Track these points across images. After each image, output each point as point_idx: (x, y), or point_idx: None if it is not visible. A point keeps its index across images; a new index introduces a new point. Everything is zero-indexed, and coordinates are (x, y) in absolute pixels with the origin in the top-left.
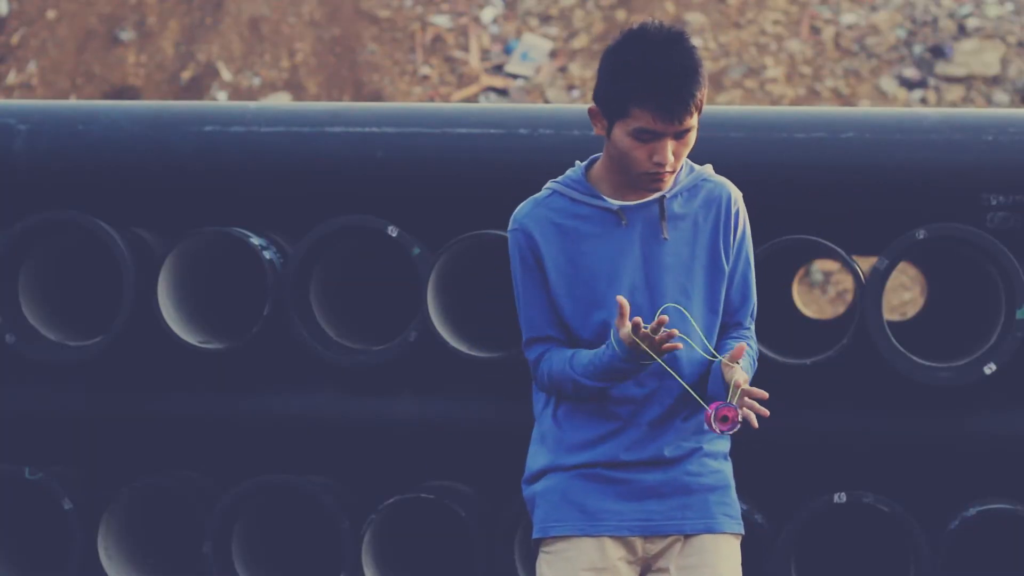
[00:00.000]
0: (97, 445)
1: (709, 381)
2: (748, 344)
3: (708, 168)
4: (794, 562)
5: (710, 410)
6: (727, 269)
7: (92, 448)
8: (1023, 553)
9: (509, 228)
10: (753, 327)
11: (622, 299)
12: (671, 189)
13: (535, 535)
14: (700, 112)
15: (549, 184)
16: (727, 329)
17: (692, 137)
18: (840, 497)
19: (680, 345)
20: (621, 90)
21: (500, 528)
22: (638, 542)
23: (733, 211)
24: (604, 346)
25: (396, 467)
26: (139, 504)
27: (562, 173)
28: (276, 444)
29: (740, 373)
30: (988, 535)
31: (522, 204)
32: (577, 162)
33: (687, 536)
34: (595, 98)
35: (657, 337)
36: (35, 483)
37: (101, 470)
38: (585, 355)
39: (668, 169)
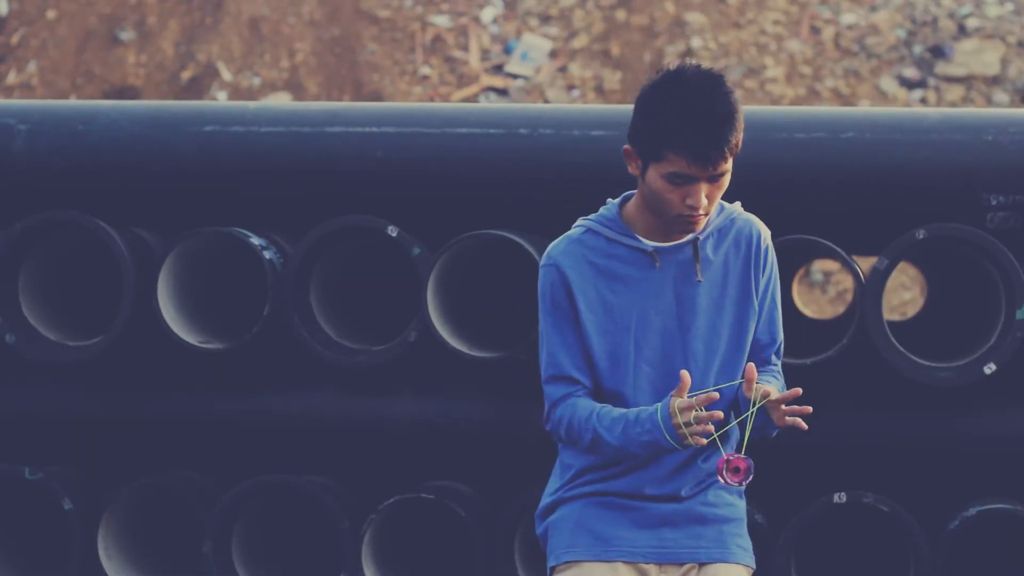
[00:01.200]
0: (97, 445)
1: (735, 408)
2: (774, 375)
3: (737, 206)
4: (794, 562)
5: (721, 462)
6: (756, 307)
7: (92, 448)
8: (1023, 553)
9: (542, 264)
10: (780, 364)
11: (685, 374)
12: (704, 231)
13: (550, 563)
14: (735, 156)
15: (581, 221)
16: (752, 362)
17: (726, 180)
18: (840, 497)
19: (703, 442)
20: (657, 134)
21: (500, 528)
22: (652, 570)
23: (763, 249)
24: (641, 409)
25: (396, 467)
26: (139, 504)
27: (562, 173)
28: (276, 444)
29: (764, 386)
30: (988, 535)
31: (556, 241)
32: (609, 200)
33: (701, 565)
34: (630, 138)
35: (693, 427)
36: (35, 483)
37: (101, 470)
38: (615, 411)
39: (701, 212)
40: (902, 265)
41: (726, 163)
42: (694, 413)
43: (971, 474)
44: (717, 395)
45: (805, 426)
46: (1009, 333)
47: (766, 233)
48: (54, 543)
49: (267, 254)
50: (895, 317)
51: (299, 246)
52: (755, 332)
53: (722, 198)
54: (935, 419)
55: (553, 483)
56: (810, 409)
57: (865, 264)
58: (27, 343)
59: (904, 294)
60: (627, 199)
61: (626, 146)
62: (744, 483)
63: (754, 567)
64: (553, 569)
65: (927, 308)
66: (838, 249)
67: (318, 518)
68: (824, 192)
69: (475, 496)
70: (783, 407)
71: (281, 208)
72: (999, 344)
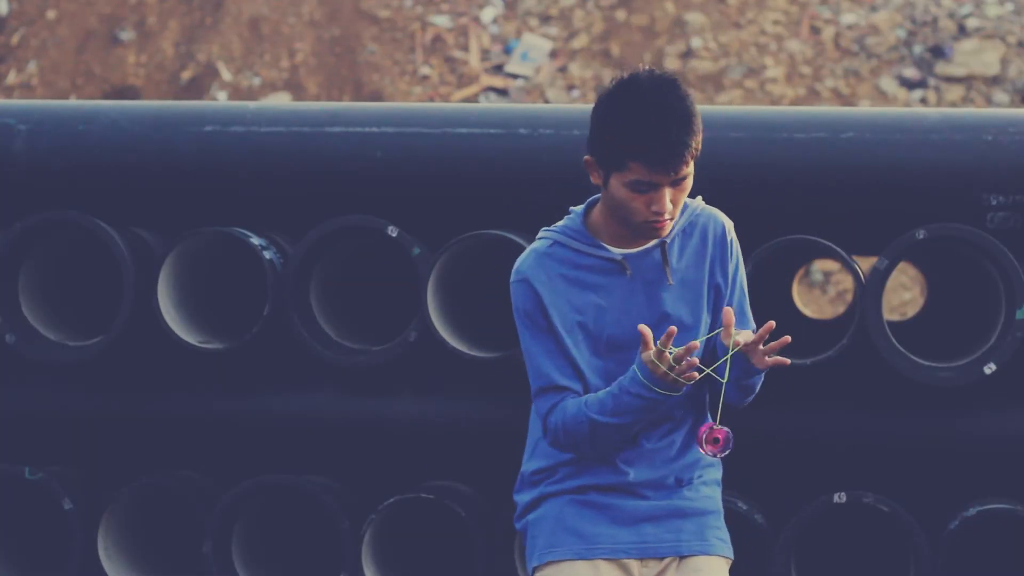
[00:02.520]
0: (97, 445)
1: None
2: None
3: (699, 201)
4: (794, 562)
5: (703, 430)
6: (723, 299)
7: (92, 448)
8: (1023, 553)
9: (512, 280)
10: None
11: (644, 328)
12: (670, 233)
13: (531, 564)
14: (696, 159)
15: (545, 233)
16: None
17: (689, 183)
18: (840, 497)
19: (696, 375)
20: (615, 144)
21: (500, 528)
22: (634, 565)
23: (728, 240)
24: (621, 378)
25: (396, 467)
26: (139, 504)
27: (562, 173)
28: (276, 444)
29: (741, 334)
30: (988, 535)
31: (523, 255)
32: (572, 208)
33: (682, 557)
34: (590, 149)
35: (677, 368)
36: (35, 483)
37: (101, 470)
38: (599, 394)
39: (667, 217)
40: (902, 265)
41: (687, 167)
42: (671, 354)
43: (971, 474)
44: (697, 344)
45: (787, 360)
46: (1009, 333)
47: (729, 225)
48: (54, 543)
49: (267, 254)
50: (895, 317)
51: (299, 246)
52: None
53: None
54: (935, 419)
55: (532, 465)
56: (789, 339)
57: (865, 264)
58: (27, 343)
59: (904, 294)
60: (591, 206)
61: (587, 156)
62: (722, 454)
63: (732, 557)
64: (535, 569)
65: (927, 308)
66: (838, 249)
67: (318, 518)
68: (824, 192)
69: (475, 496)
70: (761, 348)
71: (281, 208)
72: (999, 344)
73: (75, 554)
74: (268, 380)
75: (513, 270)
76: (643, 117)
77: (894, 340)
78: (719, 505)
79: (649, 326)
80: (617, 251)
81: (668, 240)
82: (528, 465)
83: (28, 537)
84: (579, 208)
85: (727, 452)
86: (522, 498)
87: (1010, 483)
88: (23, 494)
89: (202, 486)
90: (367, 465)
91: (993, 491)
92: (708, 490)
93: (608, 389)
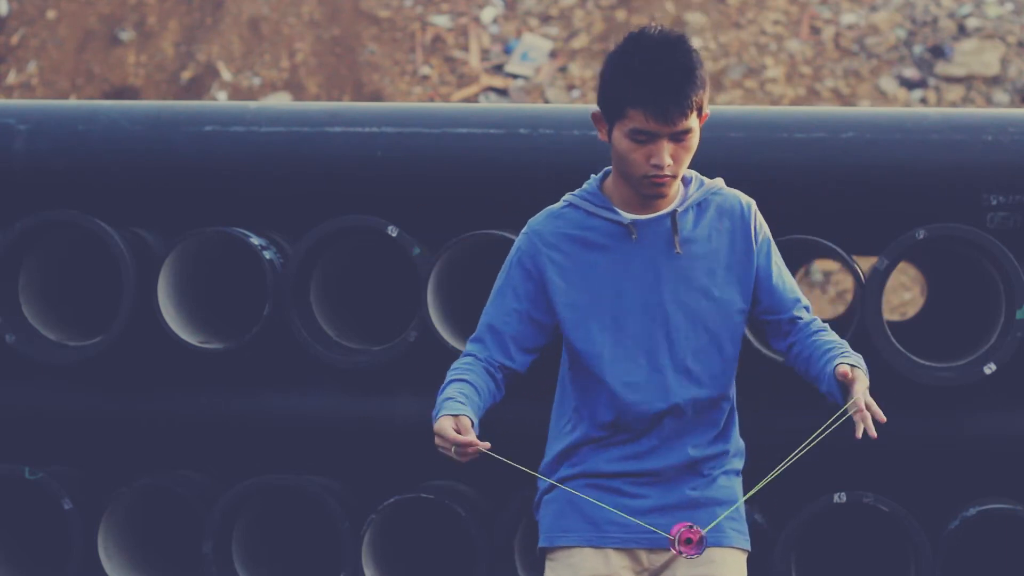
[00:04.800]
0: (97, 445)
1: (823, 383)
2: (829, 336)
3: (719, 181)
4: (794, 562)
5: (672, 534)
6: (752, 276)
7: (92, 448)
8: (1023, 553)
9: (521, 233)
10: (814, 319)
11: (464, 422)
12: (682, 203)
13: (541, 543)
14: (700, 116)
15: (566, 196)
16: (784, 327)
17: (692, 141)
18: (840, 497)
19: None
20: (617, 91)
21: (500, 528)
22: (643, 554)
23: (749, 218)
24: (447, 396)
25: (396, 467)
26: (139, 504)
27: (562, 173)
28: (276, 444)
29: (861, 386)
30: (988, 535)
31: (539, 214)
32: (592, 175)
33: None
34: (598, 102)
35: (459, 449)
36: (35, 483)
37: (101, 470)
38: (450, 388)
39: (668, 173)
40: (902, 265)
41: (687, 120)
42: (452, 447)
43: (971, 474)
44: (487, 446)
45: (875, 434)
46: (1009, 333)
47: (750, 202)
48: (54, 543)
49: (267, 254)
50: (895, 317)
51: (299, 246)
52: (774, 295)
53: (709, 176)
54: (935, 419)
55: (553, 447)
56: (884, 418)
57: (865, 264)
58: (27, 343)
59: (904, 294)
60: (608, 174)
61: (594, 110)
62: (696, 555)
63: (749, 549)
64: (544, 551)
65: (927, 308)
66: (838, 249)
67: (318, 518)
68: (824, 192)
69: (475, 496)
70: (864, 411)
71: (281, 208)
72: (999, 344)
73: (75, 554)
74: (268, 380)
75: (527, 223)
76: (643, 65)
77: (894, 340)
78: (737, 496)
79: (653, 294)
80: (627, 215)
81: (680, 209)
82: (550, 446)
83: (28, 537)
84: (598, 175)
85: (700, 553)
86: (542, 480)
87: (1010, 483)
88: (23, 494)
89: (202, 486)
90: (367, 465)
91: (993, 491)
92: (726, 480)
93: (446, 393)
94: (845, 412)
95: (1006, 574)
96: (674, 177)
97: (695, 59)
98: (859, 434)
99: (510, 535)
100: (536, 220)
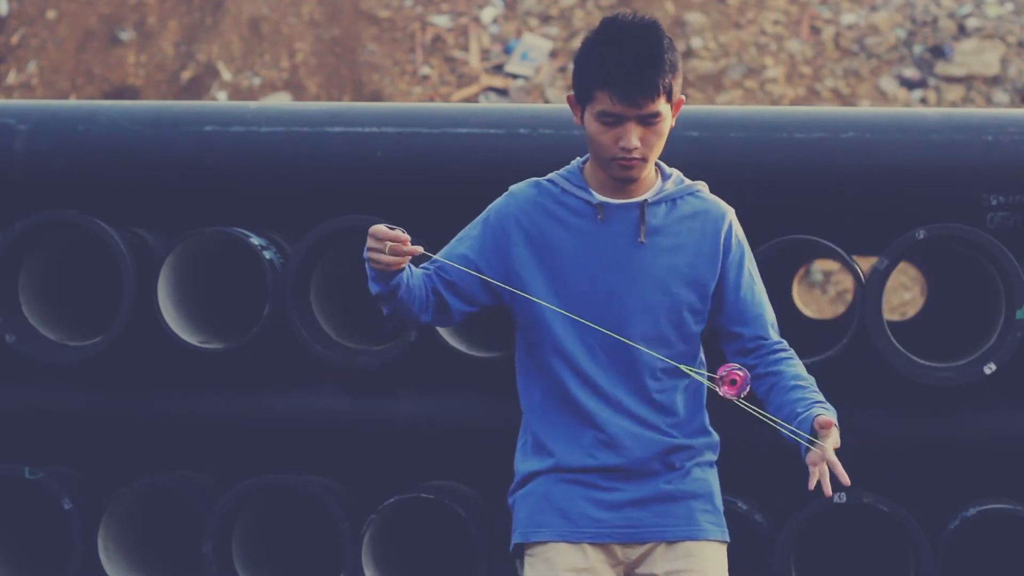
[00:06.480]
0: (97, 445)
1: (791, 420)
2: (797, 369)
3: (701, 185)
4: (794, 562)
5: (720, 373)
6: (712, 281)
7: (92, 448)
8: (1023, 553)
9: (504, 194)
10: (780, 341)
11: (377, 229)
12: (655, 195)
13: (516, 539)
14: (672, 101)
15: (552, 173)
16: (747, 344)
17: (663, 126)
18: (840, 497)
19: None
20: (585, 73)
21: (500, 528)
22: (617, 548)
23: (722, 224)
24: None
25: (396, 467)
26: (139, 504)
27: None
28: (276, 444)
29: (832, 443)
30: (988, 535)
31: (524, 181)
32: (579, 157)
33: (670, 542)
34: (572, 86)
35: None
36: (35, 483)
37: (101, 470)
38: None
39: (636, 156)
40: (902, 265)
41: (654, 104)
42: (386, 245)
43: (971, 474)
44: (420, 249)
45: (829, 492)
46: (1009, 333)
47: (729, 212)
48: (54, 543)
49: (267, 254)
50: (895, 317)
51: (299, 246)
52: (738, 309)
53: (692, 178)
54: (935, 419)
55: (524, 441)
56: (848, 482)
57: (865, 264)
58: (27, 343)
59: (904, 294)
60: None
61: (569, 94)
62: (740, 395)
63: (728, 540)
64: (519, 546)
65: (927, 308)
66: (838, 249)
67: (318, 518)
68: (824, 192)
69: (475, 496)
70: (823, 466)
71: (281, 208)
72: (999, 344)
73: (75, 554)
74: (268, 380)
75: (509, 188)
76: (611, 48)
77: (894, 340)
78: (712, 488)
79: (611, 276)
80: (599, 197)
81: (651, 200)
82: (522, 441)
83: (28, 537)
84: (583, 157)
85: (745, 392)
86: (516, 474)
87: (1010, 483)
88: (23, 494)
89: (202, 486)
90: (367, 465)
91: (993, 491)
92: (700, 472)
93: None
94: (811, 443)
95: (1006, 574)
96: (644, 160)
97: (665, 44)
98: (811, 485)
99: (510, 535)
100: (518, 186)
